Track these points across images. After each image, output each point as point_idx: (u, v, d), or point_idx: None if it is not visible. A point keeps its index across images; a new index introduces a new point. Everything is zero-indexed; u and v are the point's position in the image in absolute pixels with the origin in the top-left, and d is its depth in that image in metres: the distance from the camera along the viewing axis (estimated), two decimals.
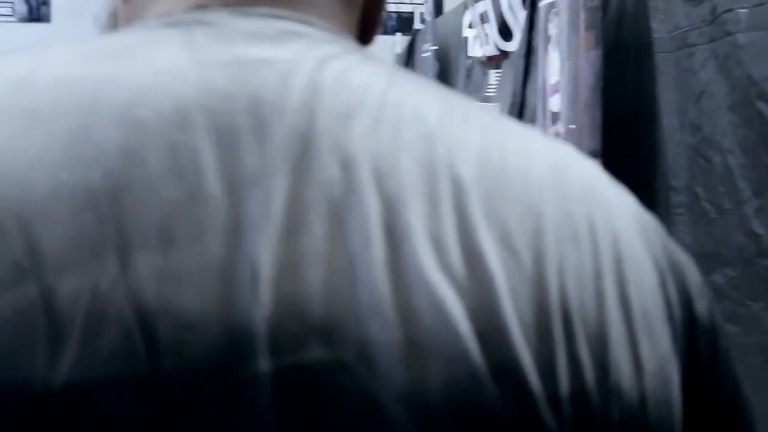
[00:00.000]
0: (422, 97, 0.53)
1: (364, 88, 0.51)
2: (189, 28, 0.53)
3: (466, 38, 4.41)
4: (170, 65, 0.50)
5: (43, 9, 7.26)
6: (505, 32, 3.65)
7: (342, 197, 0.46)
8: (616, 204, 0.54)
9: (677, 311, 0.53)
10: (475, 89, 4.23)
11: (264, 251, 0.44)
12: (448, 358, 0.45)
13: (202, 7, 0.56)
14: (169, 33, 0.53)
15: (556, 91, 2.64)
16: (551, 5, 2.75)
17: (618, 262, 0.51)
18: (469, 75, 4.33)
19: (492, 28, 3.79)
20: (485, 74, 4.03)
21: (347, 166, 0.47)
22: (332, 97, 0.50)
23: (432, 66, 5.10)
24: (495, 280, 0.46)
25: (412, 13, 7.17)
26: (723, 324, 0.59)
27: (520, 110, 3.31)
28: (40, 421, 0.41)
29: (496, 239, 0.47)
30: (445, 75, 4.96)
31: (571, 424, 0.47)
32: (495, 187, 0.49)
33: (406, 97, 0.52)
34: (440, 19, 5.52)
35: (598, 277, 0.50)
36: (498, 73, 3.83)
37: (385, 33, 7.39)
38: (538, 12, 2.96)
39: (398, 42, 7.19)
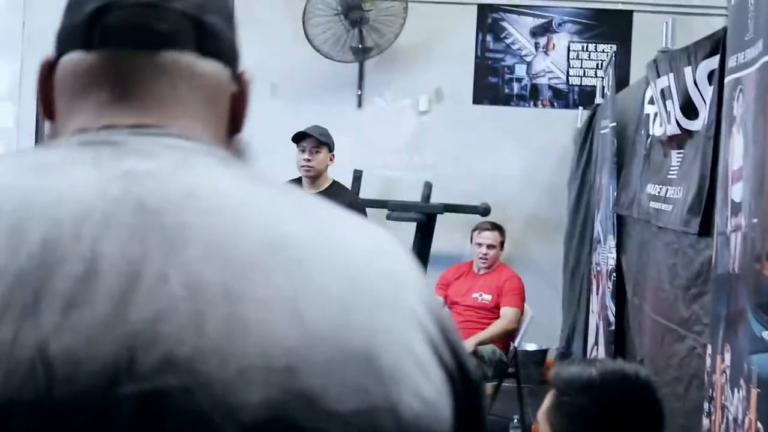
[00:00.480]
0: (262, 193, 0.75)
1: (218, 189, 0.72)
2: (97, 148, 0.74)
3: (647, 115, 4.13)
4: (82, 179, 0.70)
5: None
6: (689, 110, 3.36)
7: (183, 270, 0.66)
8: (413, 285, 0.75)
9: (449, 362, 0.74)
10: (654, 171, 3.93)
11: (138, 312, 0.64)
12: (265, 383, 0.64)
13: (109, 127, 0.77)
14: (83, 152, 0.73)
15: (738, 178, 2.36)
16: (737, 81, 2.47)
17: (408, 324, 0.72)
18: (648, 155, 4.04)
19: (675, 105, 3.51)
20: (666, 155, 3.74)
21: (210, 250, 0.68)
22: (186, 196, 0.70)
23: (610, 143, 4.83)
24: (306, 321, 0.67)
25: (594, 86, 6.92)
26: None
27: (708, 197, 3.01)
28: None
29: (317, 296, 0.69)
30: (622, 153, 4.67)
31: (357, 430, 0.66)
32: (327, 264, 0.71)
33: (247, 196, 0.73)
34: (621, 93, 5.25)
35: (393, 336, 0.71)
36: (680, 153, 3.53)
37: (567, 107, 7.16)
38: (725, 88, 2.68)
39: (580, 116, 6.95)
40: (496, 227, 5.67)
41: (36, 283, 0.64)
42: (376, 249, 0.76)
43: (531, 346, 6.65)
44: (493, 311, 5.39)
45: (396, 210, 6.60)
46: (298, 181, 4.82)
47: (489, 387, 5.56)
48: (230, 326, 0.65)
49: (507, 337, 5.35)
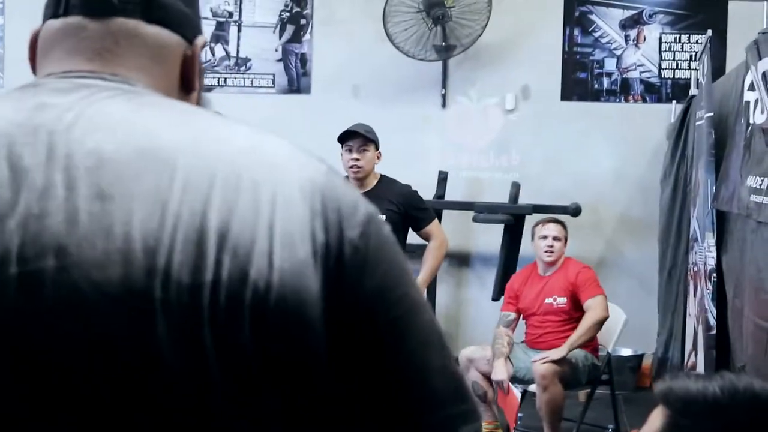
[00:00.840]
0: (149, 113, 0.92)
1: (104, 112, 0.90)
2: (26, 88, 0.94)
3: (746, 103, 3.93)
4: (3, 111, 0.90)
5: (303, 81, 7.39)
6: None
7: (66, 176, 0.85)
8: (287, 173, 0.89)
9: (320, 236, 0.86)
10: (755, 162, 3.73)
11: (27, 208, 0.83)
12: (125, 262, 0.81)
13: (48, 75, 0.97)
14: (20, 92, 0.94)
15: None
16: None
17: (272, 206, 0.86)
18: (748, 145, 3.84)
19: None
20: None
21: (68, 159, 0.86)
22: (81, 120, 0.89)
23: (707, 135, 4.62)
24: (169, 211, 0.84)
25: (688, 79, 6.68)
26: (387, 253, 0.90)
27: None
28: None
29: (180, 189, 0.85)
30: (720, 145, 4.46)
31: (211, 302, 0.82)
32: (194, 162, 0.86)
33: (133, 116, 0.90)
34: (718, 82, 5.03)
35: (254, 215, 0.85)
36: None
37: (659, 101, 6.95)
38: None
39: (673, 110, 6.72)
40: (560, 222, 5.34)
41: None
42: (254, 148, 0.91)
43: (625, 351, 6.45)
44: (572, 312, 5.06)
45: (483, 212, 6.47)
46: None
47: (582, 394, 5.39)
48: (99, 219, 0.83)
49: (598, 330, 5.00)
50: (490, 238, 6.73)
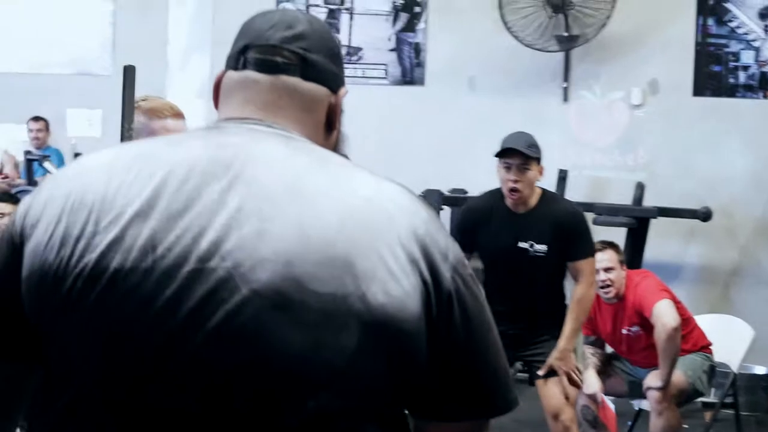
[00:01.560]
0: (299, 161, 1.22)
1: (268, 153, 1.21)
2: (212, 129, 1.27)
3: None
4: (194, 147, 1.21)
5: (417, 72, 7.24)
6: None
7: (237, 199, 1.16)
8: (397, 222, 1.17)
9: (424, 272, 1.16)
10: None
11: (207, 223, 1.14)
12: (270, 270, 1.12)
13: (227, 119, 1.29)
14: (206, 132, 1.27)
15: None
16: None
17: (388, 247, 1.14)
18: None
19: None
20: None
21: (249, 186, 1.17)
22: (250, 158, 1.19)
23: None
24: (306, 236, 1.13)
25: None
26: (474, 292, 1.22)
27: None
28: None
29: (317, 220, 1.15)
30: None
31: (335, 308, 1.12)
32: (328, 202, 1.17)
33: (289, 159, 1.21)
34: None
35: (372, 252, 1.13)
36: None
37: None
38: None
39: None
40: (607, 245, 4.80)
41: (153, 201, 1.15)
42: (378, 195, 1.20)
43: (759, 370, 6.09)
44: (650, 336, 4.59)
45: (603, 213, 6.21)
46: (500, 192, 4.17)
47: (708, 415, 5.08)
48: (257, 234, 1.13)
49: (677, 338, 4.53)
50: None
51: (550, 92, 6.96)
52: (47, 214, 1.18)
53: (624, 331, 4.72)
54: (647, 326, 4.60)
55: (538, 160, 4.08)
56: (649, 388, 4.50)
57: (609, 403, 4.68)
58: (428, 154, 7.02)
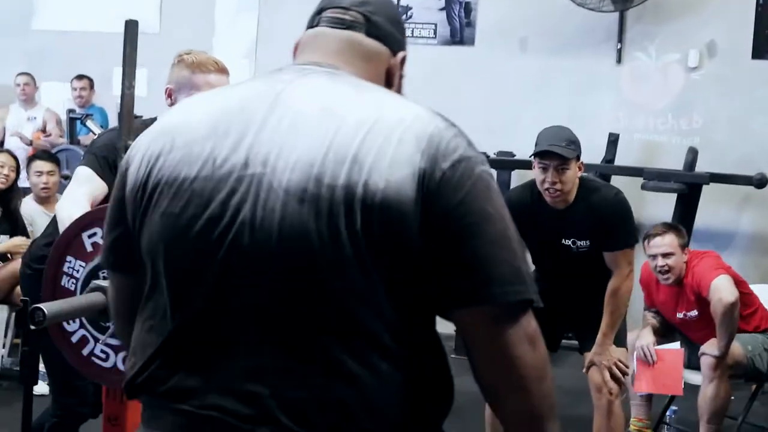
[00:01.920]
0: (337, 88, 1.46)
1: (311, 84, 1.47)
2: (272, 72, 1.52)
3: None
4: (252, 86, 1.51)
5: (466, 32, 7.15)
6: None
7: (279, 117, 1.42)
8: (412, 126, 1.37)
9: (419, 163, 1.34)
10: None
11: (259, 135, 1.41)
12: (300, 172, 1.36)
13: (289, 65, 1.54)
14: (267, 74, 1.53)
15: None
16: None
17: (394, 145, 1.35)
18: None
19: None
20: None
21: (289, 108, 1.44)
22: (294, 89, 1.46)
23: None
24: (330, 144, 1.37)
25: None
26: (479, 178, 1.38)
27: None
28: None
29: (341, 132, 1.39)
30: None
31: (343, 198, 1.33)
32: (357, 117, 1.40)
33: (331, 88, 1.46)
34: None
35: (380, 150, 1.35)
36: None
37: None
38: None
39: None
40: (668, 229, 4.62)
41: (215, 126, 1.43)
42: (400, 108, 1.42)
43: None
44: (710, 320, 4.45)
45: (653, 179, 6.08)
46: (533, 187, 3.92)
47: (753, 387, 4.97)
48: (291, 146, 1.38)
49: (752, 323, 4.51)
50: (661, 208, 6.32)
51: (603, 53, 6.83)
52: (143, 142, 1.49)
53: (680, 315, 4.61)
54: (705, 311, 4.47)
55: (577, 157, 3.80)
56: (704, 354, 4.40)
57: (672, 347, 4.57)
58: (476, 115, 6.91)
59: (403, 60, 1.59)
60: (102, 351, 2.05)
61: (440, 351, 1.42)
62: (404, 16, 7.26)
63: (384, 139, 1.36)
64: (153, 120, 2.08)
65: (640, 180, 6.20)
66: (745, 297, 4.53)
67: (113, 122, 6.99)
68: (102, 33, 7.50)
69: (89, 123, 6.49)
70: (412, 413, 1.38)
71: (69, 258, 2.05)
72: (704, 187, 6.00)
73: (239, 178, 1.38)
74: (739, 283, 4.51)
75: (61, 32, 7.82)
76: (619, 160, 6.46)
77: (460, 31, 7.18)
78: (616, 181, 6.34)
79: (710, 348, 4.42)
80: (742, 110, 6.54)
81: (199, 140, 1.42)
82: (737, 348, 4.45)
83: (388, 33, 1.58)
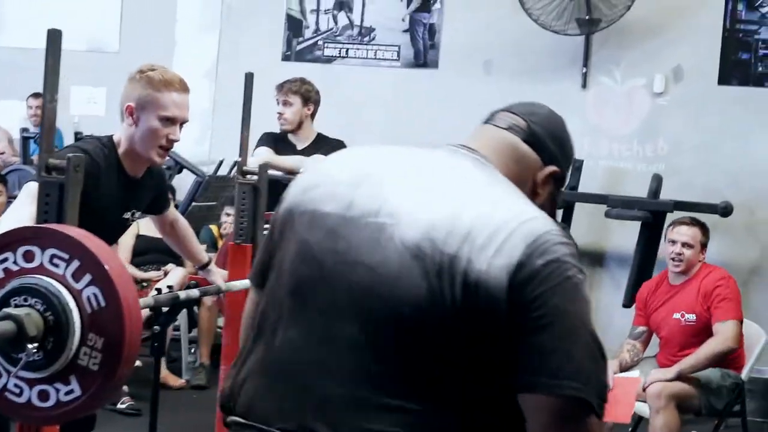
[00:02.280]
0: (475, 173, 1.67)
1: (455, 163, 1.69)
2: (424, 148, 1.76)
3: None
4: (410, 150, 1.75)
5: (430, 54, 7.09)
6: None
7: (422, 185, 1.66)
8: (524, 226, 1.53)
9: (518, 258, 1.50)
10: None
11: (394, 197, 1.63)
12: (418, 230, 1.57)
13: (452, 144, 1.75)
14: (428, 147, 1.77)
15: None
16: None
17: (504, 239, 1.51)
18: None
19: None
20: None
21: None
22: (442, 160, 1.70)
23: None
24: (449, 216, 1.57)
25: None
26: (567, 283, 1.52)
27: None
28: None
29: (465, 214, 1.59)
30: None
31: (449, 263, 1.52)
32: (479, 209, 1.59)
33: (466, 172, 1.67)
34: None
35: (491, 241, 1.52)
36: None
37: None
38: None
39: None
40: (697, 223, 4.77)
41: (366, 177, 1.66)
42: (517, 206, 1.60)
43: None
44: (702, 334, 4.53)
45: (617, 206, 6.03)
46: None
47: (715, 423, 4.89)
48: (417, 206, 1.58)
49: (727, 361, 4.54)
50: (626, 236, 6.27)
51: (568, 77, 6.78)
52: (299, 183, 1.76)
53: (676, 316, 4.62)
54: (704, 326, 4.52)
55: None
56: (652, 383, 4.34)
57: (629, 374, 4.55)
58: (440, 138, 6.82)
59: (552, 174, 1.74)
60: (15, 385, 1.93)
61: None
62: (366, 38, 7.20)
63: (497, 228, 1.52)
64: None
65: (603, 207, 6.15)
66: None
67: (69, 141, 6.86)
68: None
69: None
70: None
71: None
72: (669, 214, 5.95)
73: (368, 223, 1.59)
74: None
75: (18, 49, 7.68)
76: (583, 187, 6.40)
77: (423, 53, 7.12)
78: (581, 207, 6.28)
79: (660, 374, 4.38)
80: (708, 136, 6.51)
81: (343, 187, 1.65)
82: (693, 380, 4.39)
83: (544, 145, 1.74)
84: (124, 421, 5.07)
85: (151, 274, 6.29)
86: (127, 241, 6.38)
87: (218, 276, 3.44)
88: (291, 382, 1.59)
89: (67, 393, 1.90)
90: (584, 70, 6.77)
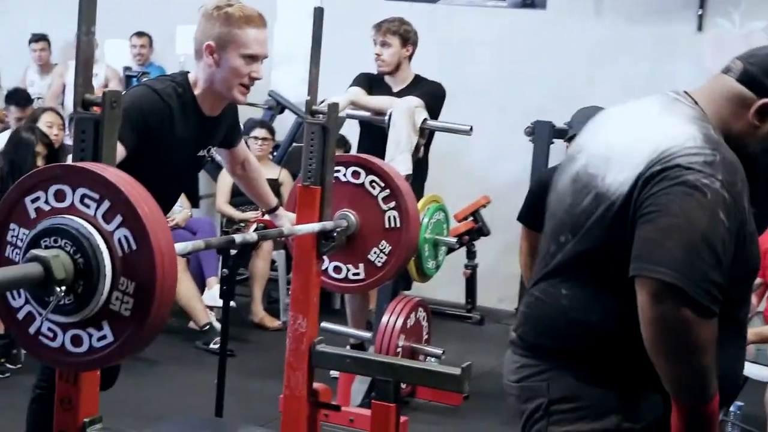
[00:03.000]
0: (653, 109, 2.02)
1: (643, 105, 2.08)
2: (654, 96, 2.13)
3: None
4: (620, 108, 2.19)
5: None
6: None
7: (603, 133, 2.11)
8: (663, 141, 1.87)
9: (642, 169, 1.87)
10: None
11: (593, 149, 2.07)
12: (595, 168, 2.02)
13: (674, 91, 2.07)
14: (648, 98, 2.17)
15: None
16: None
17: (639, 156, 1.89)
18: None
19: None
20: None
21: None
22: (629, 108, 2.13)
23: None
24: (608, 145, 2.02)
25: None
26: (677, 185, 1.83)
27: None
28: None
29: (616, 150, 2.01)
30: None
31: (589, 181, 2.01)
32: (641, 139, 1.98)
33: (649, 111, 2.02)
34: None
35: (631, 159, 1.91)
36: None
37: None
38: None
39: None
40: None
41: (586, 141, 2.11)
42: (666, 126, 1.91)
43: None
44: None
45: None
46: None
47: None
48: (605, 148, 1.99)
49: None
50: None
51: (683, 19, 6.50)
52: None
53: None
54: None
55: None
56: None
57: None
58: (546, 82, 6.66)
59: (763, 106, 1.90)
60: (49, 329, 1.86)
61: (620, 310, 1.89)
62: None
63: (630, 145, 1.91)
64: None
65: None
66: None
67: None
68: None
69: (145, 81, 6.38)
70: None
71: (12, 226, 1.86)
72: None
73: (571, 174, 2.04)
74: None
75: None
76: None
77: None
78: None
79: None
80: None
81: (577, 153, 2.08)
82: None
83: (756, 81, 1.91)
84: (215, 360, 5.06)
85: (249, 215, 6.27)
86: (226, 182, 6.36)
87: (285, 220, 3.34)
88: None
89: (100, 339, 1.82)
90: (700, 11, 6.48)
